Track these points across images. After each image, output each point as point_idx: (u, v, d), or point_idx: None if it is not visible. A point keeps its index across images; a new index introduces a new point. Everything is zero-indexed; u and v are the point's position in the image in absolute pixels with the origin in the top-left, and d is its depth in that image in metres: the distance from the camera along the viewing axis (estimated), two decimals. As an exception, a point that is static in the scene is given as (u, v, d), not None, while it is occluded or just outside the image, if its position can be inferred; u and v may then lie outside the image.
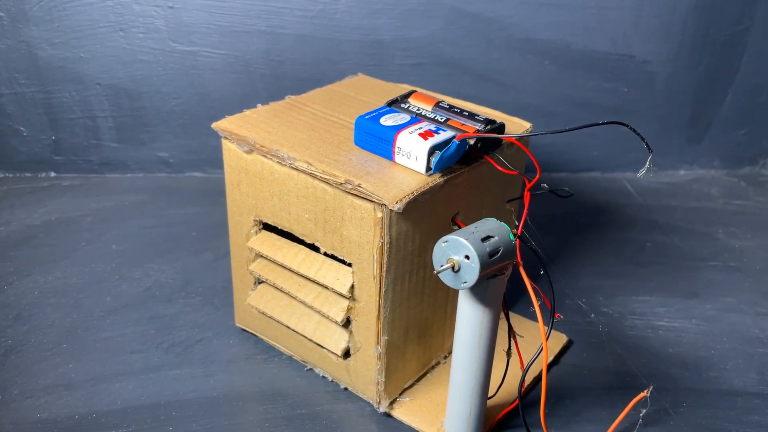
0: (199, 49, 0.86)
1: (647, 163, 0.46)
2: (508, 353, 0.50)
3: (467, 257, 0.41)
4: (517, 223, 0.45)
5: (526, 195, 0.46)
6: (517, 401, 0.51)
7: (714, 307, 0.71)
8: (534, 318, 0.65)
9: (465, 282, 0.42)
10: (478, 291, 0.45)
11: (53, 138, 0.90)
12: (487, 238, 0.42)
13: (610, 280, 0.74)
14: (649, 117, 0.97)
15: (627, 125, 0.47)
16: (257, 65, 0.88)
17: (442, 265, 0.42)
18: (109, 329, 0.63)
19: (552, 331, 0.64)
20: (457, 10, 0.87)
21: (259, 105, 0.58)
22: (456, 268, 0.42)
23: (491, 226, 0.43)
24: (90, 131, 0.90)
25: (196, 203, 0.86)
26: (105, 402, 0.55)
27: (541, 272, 0.47)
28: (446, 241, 0.42)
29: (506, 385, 0.53)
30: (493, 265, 0.42)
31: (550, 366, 0.61)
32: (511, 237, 0.43)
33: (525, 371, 0.49)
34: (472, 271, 0.41)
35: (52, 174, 0.92)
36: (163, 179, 0.92)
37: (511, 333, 0.50)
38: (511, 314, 0.52)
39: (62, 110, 0.88)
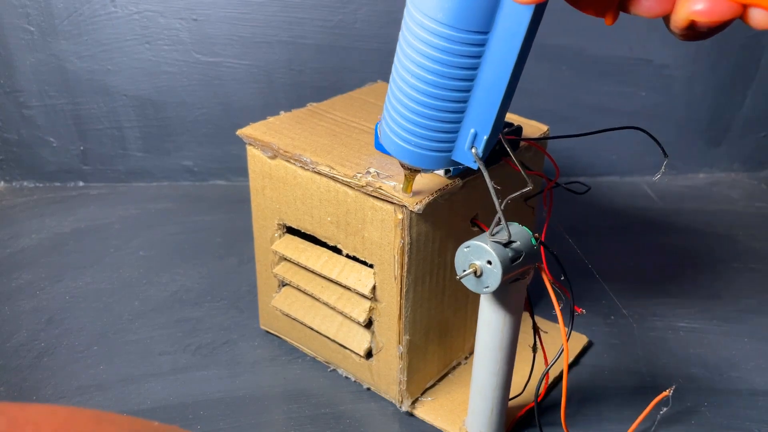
0: (222, 60, 0.89)
1: (662, 167, 0.47)
2: (534, 348, 0.51)
3: (489, 262, 0.42)
4: (537, 223, 0.46)
5: (550, 195, 0.47)
6: (536, 401, 0.52)
7: (735, 308, 0.71)
8: (555, 320, 0.66)
9: (487, 287, 0.42)
10: (499, 295, 0.45)
11: (81, 148, 0.92)
12: (510, 243, 0.43)
13: (631, 282, 0.74)
14: (667, 121, 0.97)
15: (643, 130, 0.48)
16: (279, 75, 0.90)
17: (464, 270, 0.43)
18: (137, 332, 0.65)
19: (573, 332, 0.65)
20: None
21: (282, 112, 0.59)
22: (478, 273, 0.42)
23: (514, 230, 0.43)
24: (117, 141, 0.92)
25: (219, 210, 0.88)
26: (135, 402, 0.57)
27: (562, 278, 0.48)
28: (468, 247, 0.43)
29: (532, 382, 0.54)
30: (515, 269, 0.43)
31: (570, 366, 0.62)
32: (533, 242, 0.43)
33: (545, 372, 0.49)
34: (494, 276, 0.42)
35: (81, 183, 0.94)
36: (188, 187, 0.94)
37: (536, 329, 0.50)
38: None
39: (90, 121, 0.91)
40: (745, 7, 0.29)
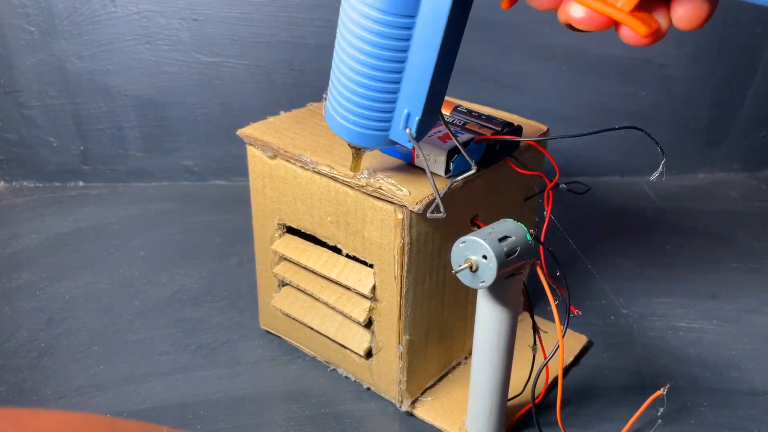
0: (222, 60, 0.89)
1: (660, 166, 0.47)
2: (534, 348, 0.51)
3: (485, 257, 0.42)
4: (537, 221, 0.46)
5: (549, 195, 0.47)
6: (537, 400, 0.52)
7: (735, 308, 0.71)
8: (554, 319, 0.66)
9: (483, 281, 0.43)
10: (496, 290, 0.45)
11: (81, 148, 0.92)
12: (504, 238, 0.43)
13: (630, 282, 0.75)
14: (667, 120, 0.97)
15: (642, 130, 0.48)
16: (279, 75, 0.90)
17: (460, 265, 0.43)
18: (137, 332, 0.65)
19: (572, 332, 0.65)
20: (474, 17, 0.88)
21: (282, 112, 0.59)
22: (474, 268, 0.43)
23: (508, 226, 0.44)
24: (117, 141, 0.92)
25: (219, 210, 0.88)
26: (135, 402, 0.57)
27: (557, 273, 0.48)
28: (464, 242, 0.43)
29: (532, 382, 0.53)
30: (511, 264, 0.43)
31: (570, 367, 0.62)
32: (528, 237, 0.44)
33: (541, 368, 0.49)
34: (489, 271, 0.42)
35: (81, 183, 0.94)
36: (188, 187, 0.94)
37: (536, 329, 0.50)
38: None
39: (90, 121, 0.91)
40: (616, 22, 0.33)
